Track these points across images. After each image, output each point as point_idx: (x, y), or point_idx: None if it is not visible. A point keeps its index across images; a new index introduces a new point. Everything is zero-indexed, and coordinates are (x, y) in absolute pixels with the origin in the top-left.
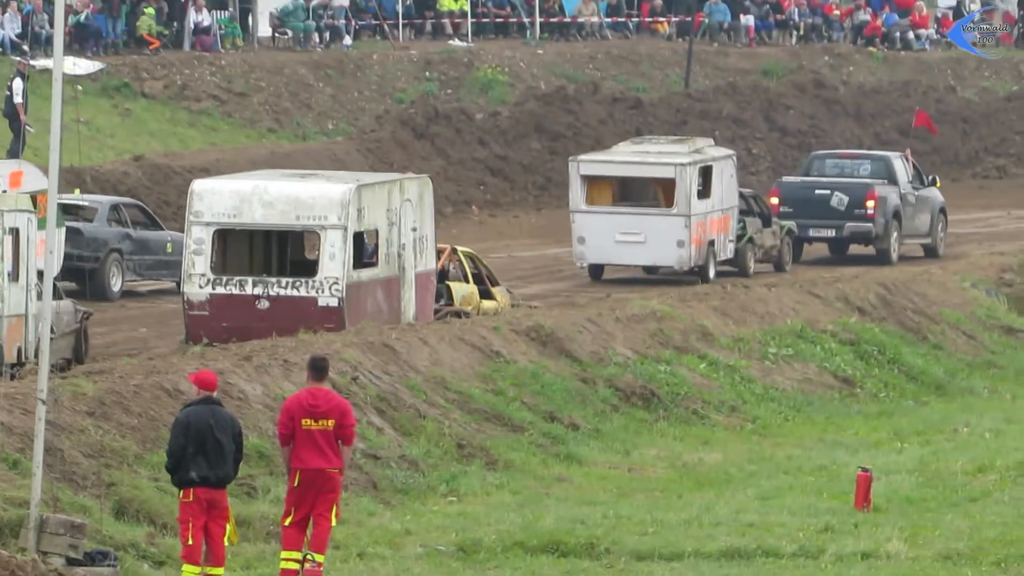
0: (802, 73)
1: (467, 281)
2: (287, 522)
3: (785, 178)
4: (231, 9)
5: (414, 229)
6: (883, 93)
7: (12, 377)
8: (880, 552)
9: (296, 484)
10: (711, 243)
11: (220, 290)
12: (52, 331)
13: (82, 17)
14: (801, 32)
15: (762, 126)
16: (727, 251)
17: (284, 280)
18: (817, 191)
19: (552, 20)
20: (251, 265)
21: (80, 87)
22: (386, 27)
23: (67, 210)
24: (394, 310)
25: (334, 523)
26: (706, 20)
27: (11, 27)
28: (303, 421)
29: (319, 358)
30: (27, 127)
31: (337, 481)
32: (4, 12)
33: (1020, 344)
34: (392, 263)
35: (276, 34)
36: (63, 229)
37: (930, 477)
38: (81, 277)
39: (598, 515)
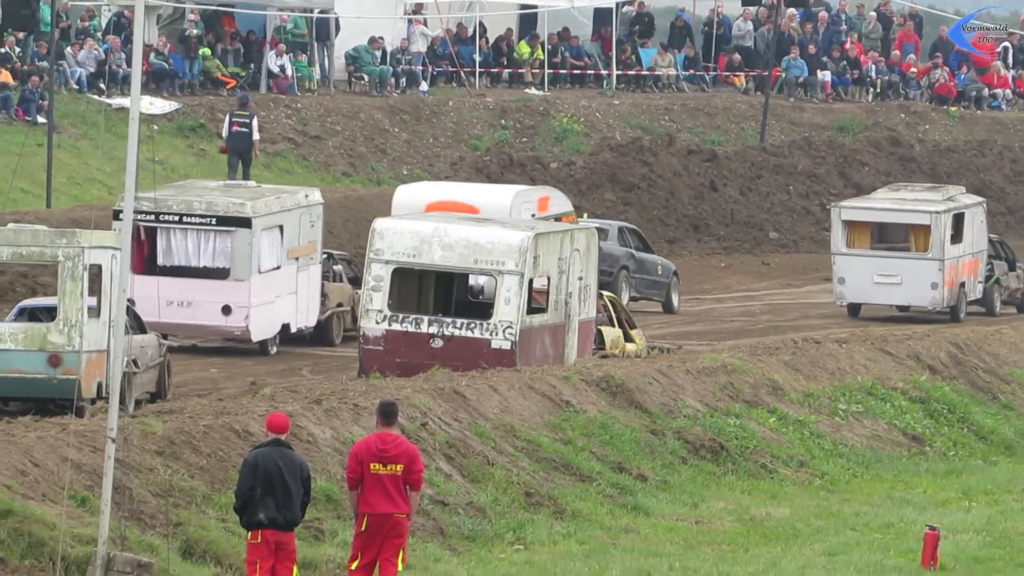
0: (878, 130)
1: (613, 325)
2: (354, 566)
3: None
4: (308, 53)
5: (580, 278)
6: (959, 152)
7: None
8: None
9: (363, 528)
10: (962, 285)
11: (396, 327)
12: (137, 365)
13: (165, 54)
14: (877, 89)
15: (837, 182)
16: (976, 292)
17: (459, 321)
18: None
19: (628, 72)
20: (418, 303)
21: (156, 126)
22: (463, 74)
23: None
24: (559, 355)
25: (400, 568)
26: (783, 75)
27: (88, 65)
28: (372, 465)
29: (389, 403)
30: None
31: (404, 526)
32: (81, 50)
33: None
34: (560, 310)
35: (352, 79)
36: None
37: (998, 537)
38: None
39: (664, 567)
